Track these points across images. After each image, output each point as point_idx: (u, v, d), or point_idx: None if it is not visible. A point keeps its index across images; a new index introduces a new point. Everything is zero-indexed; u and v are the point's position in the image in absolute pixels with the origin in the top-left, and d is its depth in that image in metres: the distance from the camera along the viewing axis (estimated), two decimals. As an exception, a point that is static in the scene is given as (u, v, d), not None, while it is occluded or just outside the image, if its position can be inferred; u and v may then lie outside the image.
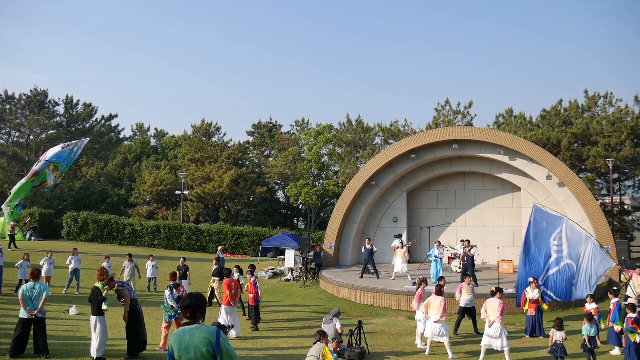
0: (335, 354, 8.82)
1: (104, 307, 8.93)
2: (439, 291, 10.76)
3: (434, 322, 10.39)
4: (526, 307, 12.10)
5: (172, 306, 10.22)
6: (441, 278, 12.35)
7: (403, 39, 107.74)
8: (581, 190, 18.97)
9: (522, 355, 10.39)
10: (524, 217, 21.74)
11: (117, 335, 10.76)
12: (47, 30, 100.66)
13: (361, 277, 18.59)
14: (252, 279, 13.39)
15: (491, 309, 10.01)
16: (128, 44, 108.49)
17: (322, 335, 8.15)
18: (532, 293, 11.98)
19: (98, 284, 9.08)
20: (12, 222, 23.88)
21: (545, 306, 12.04)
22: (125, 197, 39.34)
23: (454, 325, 12.39)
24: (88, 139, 21.06)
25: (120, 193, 39.56)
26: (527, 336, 11.97)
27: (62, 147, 20.91)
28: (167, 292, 10.34)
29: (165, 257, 23.27)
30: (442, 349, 10.64)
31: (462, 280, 16.76)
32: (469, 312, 12.38)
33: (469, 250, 16.62)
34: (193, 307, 3.98)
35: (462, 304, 12.30)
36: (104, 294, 8.98)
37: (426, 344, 10.67)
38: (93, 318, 8.94)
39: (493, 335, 9.71)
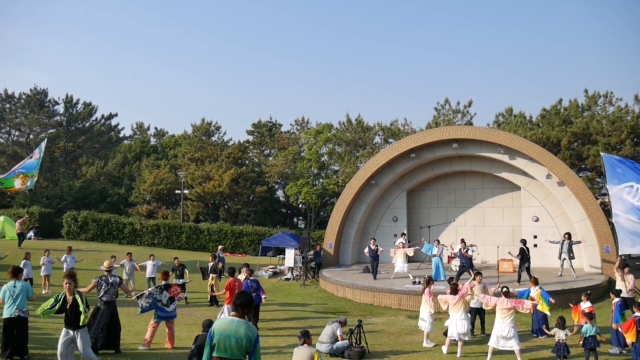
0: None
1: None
2: (455, 290, 10.71)
3: (460, 320, 10.35)
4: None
5: (159, 305, 10.20)
6: (451, 279, 12.54)
7: (403, 39, 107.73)
8: (581, 190, 18.96)
9: (526, 355, 10.36)
10: (524, 216, 21.77)
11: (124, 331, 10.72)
12: (47, 30, 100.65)
13: (375, 278, 18.21)
14: (245, 280, 13.29)
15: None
16: (128, 44, 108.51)
17: (306, 337, 7.81)
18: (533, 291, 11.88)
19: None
20: (19, 220, 23.91)
21: (544, 308, 11.44)
22: (125, 196, 39.32)
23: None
24: (45, 140, 22.14)
25: (120, 192, 39.54)
26: (535, 336, 11.88)
27: (30, 158, 21.52)
28: (156, 291, 10.34)
29: (165, 257, 23.28)
30: (439, 351, 10.65)
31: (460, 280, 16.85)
32: (480, 312, 12.13)
33: (467, 252, 16.62)
34: (248, 304, 4.63)
35: (473, 305, 11.99)
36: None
37: (457, 345, 10.44)
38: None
39: (505, 336, 9.52)
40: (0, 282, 16.00)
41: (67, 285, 7.96)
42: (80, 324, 7.81)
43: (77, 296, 7.93)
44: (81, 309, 7.81)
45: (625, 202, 10.96)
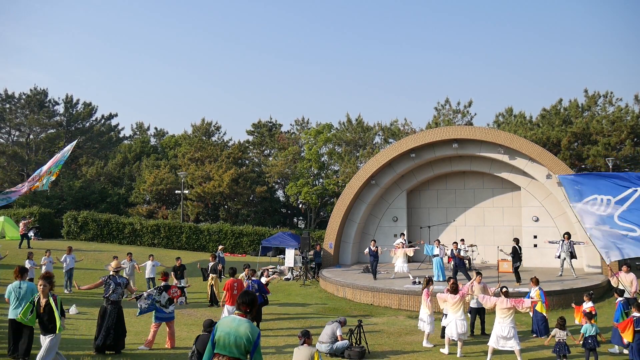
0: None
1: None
2: (455, 289, 10.68)
3: (460, 320, 10.32)
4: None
5: (158, 306, 10.25)
6: (450, 279, 12.49)
7: (403, 39, 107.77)
8: (581, 190, 18.95)
9: (526, 355, 10.36)
10: (524, 216, 21.77)
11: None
12: (47, 30, 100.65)
13: (375, 278, 18.10)
14: (247, 281, 13.29)
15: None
16: (128, 44, 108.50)
17: (306, 337, 7.80)
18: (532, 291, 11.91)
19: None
20: (23, 221, 23.93)
21: (542, 309, 11.54)
22: (125, 196, 39.34)
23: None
24: (75, 141, 21.74)
25: (121, 192, 39.56)
26: (535, 336, 11.89)
27: (62, 154, 21.27)
28: (154, 292, 10.37)
29: (165, 257, 23.28)
30: (437, 353, 10.66)
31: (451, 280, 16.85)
32: (480, 312, 12.12)
33: (459, 253, 16.68)
34: (251, 303, 4.72)
35: (473, 305, 12.03)
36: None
37: (457, 345, 10.40)
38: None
39: (506, 336, 9.55)
40: (0, 282, 16.13)
41: (42, 287, 7.58)
42: (57, 332, 7.42)
43: (51, 299, 7.52)
44: (56, 315, 7.42)
45: (593, 215, 11.03)
